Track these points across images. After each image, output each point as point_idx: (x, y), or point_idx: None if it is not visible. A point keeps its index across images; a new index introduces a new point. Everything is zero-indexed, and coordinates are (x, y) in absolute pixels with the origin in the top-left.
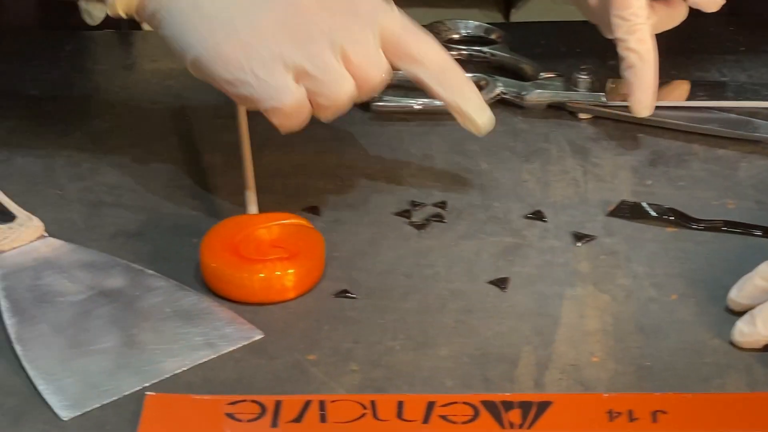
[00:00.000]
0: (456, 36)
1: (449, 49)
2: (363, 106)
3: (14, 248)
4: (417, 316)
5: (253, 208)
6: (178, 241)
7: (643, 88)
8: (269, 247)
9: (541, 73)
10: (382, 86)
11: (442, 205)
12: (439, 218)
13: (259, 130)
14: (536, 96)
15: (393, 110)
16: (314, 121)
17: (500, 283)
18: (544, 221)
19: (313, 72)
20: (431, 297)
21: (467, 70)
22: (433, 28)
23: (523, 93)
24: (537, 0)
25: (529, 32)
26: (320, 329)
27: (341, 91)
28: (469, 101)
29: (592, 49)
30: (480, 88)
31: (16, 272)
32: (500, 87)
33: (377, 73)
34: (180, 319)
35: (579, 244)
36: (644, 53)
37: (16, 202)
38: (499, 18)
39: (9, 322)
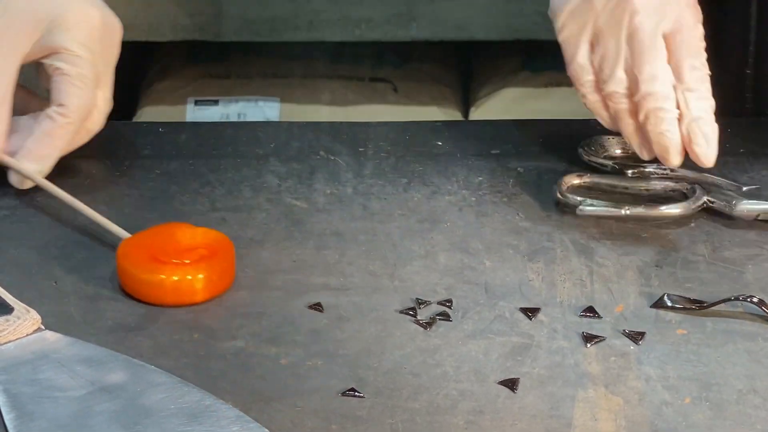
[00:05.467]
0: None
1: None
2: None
3: (11, 341)
4: (427, 416)
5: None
6: (179, 337)
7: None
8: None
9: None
10: None
11: (447, 303)
12: (444, 316)
13: (258, 224)
14: (747, 207)
15: (600, 215)
16: (313, 217)
17: (510, 383)
18: (552, 321)
19: None
20: (440, 397)
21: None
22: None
23: (733, 203)
24: (496, 99)
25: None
26: (329, 428)
27: None
28: None
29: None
30: (685, 197)
31: (14, 366)
32: (706, 197)
33: None
34: (184, 416)
35: (588, 345)
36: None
37: (11, 294)
38: (458, 116)
39: (8, 417)
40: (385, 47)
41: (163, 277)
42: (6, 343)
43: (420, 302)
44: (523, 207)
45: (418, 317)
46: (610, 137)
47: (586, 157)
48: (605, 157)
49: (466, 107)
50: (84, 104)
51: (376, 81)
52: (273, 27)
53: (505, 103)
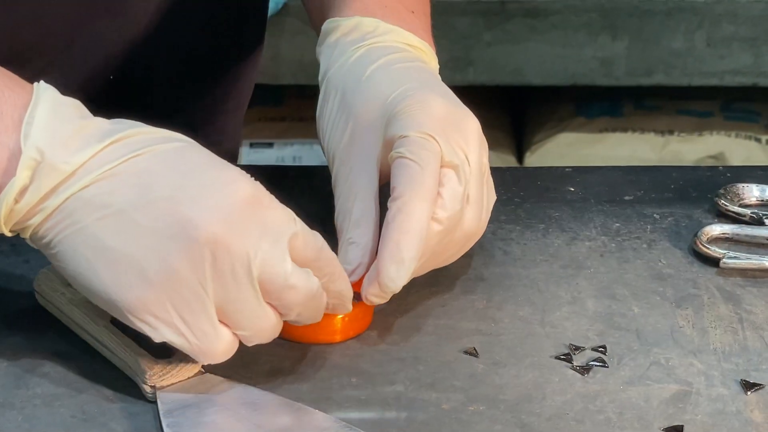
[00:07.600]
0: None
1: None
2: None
3: (173, 384)
4: None
5: None
6: (336, 381)
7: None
8: None
9: None
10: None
11: (601, 349)
12: (601, 363)
13: None
14: None
15: (744, 268)
16: (455, 262)
17: (676, 431)
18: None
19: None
20: None
21: None
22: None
23: None
24: (551, 144)
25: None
26: None
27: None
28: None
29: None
30: None
31: (179, 408)
32: None
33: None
34: None
35: (748, 392)
36: None
37: None
38: (512, 161)
39: None
40: None
41: None
42: (169, 385)
43: (574, 348)
44: (664, 253)
45: (574, 363)
46: (745, 185)
47: (722, 206)
48: (741, 206)
49: (519, 152)
50: (421, 188)
51: None
52: None
53: (561, 148)
